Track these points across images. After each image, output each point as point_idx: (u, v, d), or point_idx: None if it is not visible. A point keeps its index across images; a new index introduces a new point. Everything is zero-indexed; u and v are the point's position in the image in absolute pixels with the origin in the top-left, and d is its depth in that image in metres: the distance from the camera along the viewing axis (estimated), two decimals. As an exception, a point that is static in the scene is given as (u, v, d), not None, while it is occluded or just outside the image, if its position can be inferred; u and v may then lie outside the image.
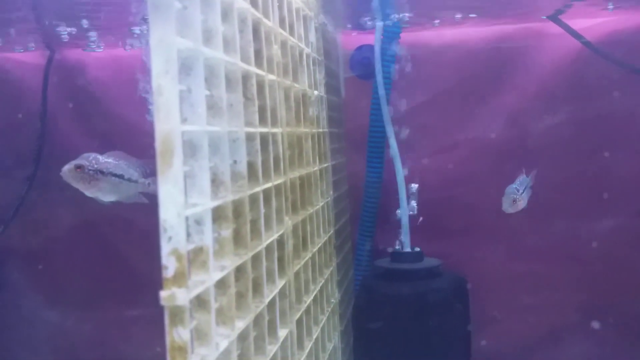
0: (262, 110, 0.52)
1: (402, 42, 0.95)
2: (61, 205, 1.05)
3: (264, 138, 0.52)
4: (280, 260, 0.57)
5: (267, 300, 0.50)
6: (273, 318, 0.53)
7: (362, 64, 0.99)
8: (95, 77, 1.09)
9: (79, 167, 0.62)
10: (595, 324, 1.00)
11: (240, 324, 0.44)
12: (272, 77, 0.55)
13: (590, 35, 0.92)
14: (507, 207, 0.83)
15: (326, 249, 0.81)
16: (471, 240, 1.04)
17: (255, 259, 0.49)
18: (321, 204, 0.77)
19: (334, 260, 0.86)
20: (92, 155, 0.65)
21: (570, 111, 0.98)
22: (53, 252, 1.10)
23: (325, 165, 0.82)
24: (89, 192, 0.63)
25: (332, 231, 0.85)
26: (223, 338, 0.41)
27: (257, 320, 0.49)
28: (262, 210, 0.50)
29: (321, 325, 0.73)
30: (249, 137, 0.49)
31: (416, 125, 1.03)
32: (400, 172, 0.92)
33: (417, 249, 0.92)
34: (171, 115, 0.32)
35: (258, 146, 0.49)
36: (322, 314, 0.76)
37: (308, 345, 0.66)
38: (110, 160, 0.66)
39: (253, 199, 0.49)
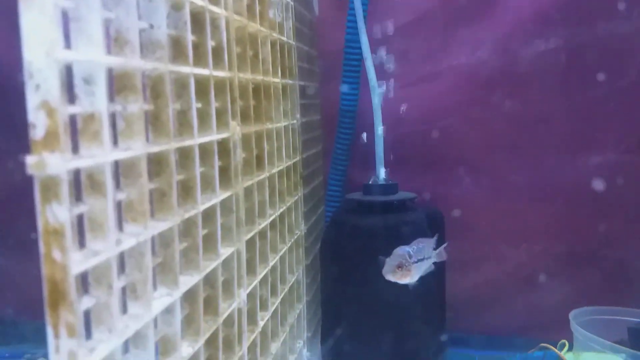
0: (196, -20, 0.43)
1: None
2: None
3: (196, 13, 0.43)
4: (225, 169, 0.49)
5: (201, 207, 0.43)
6: (212, 231, 0.46)
7: (337, -23, 0.89)
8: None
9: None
10: (578, 268, 0.95)
11: (159, 225, 0.37)
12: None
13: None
14: (386, 273, 0.66)
15: (290, 175, 0.73)
16: (452, 176, 0.97)
17: (184, 155, 0.41)
18: (284, 124, 0.69)
19: (300, 190, 0.79)
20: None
21: (565, 36, 0.89)
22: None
23: (291, 82, 0.74)
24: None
25: (298, 158, 0.78)
26: (130, 236, 0.33)
27: (186, 227, 0.42)
28: (194, 100, 0.42)
29: (280, 254, 0.66)
30: (174, 5, 0.40)
31: (396, 50, 0.94)
32: (377, 97, 0.84)
33: (392, 182, 0.85)
34: None
35: (187, 18, 0.40)
36: (283, 242, 0.69)
37: (262, 271, 0.59)
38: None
39: (179, 79, 0.40)
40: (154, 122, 0.38)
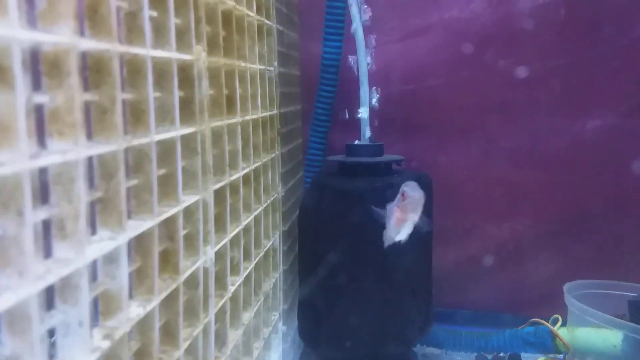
0: None
1: None
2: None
3: None
4: (187, 101, 0.41)
5: (156, 137, 0.35)
6: (171, 171, 0.38)
7: None
8: None
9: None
10: (569, 238, 0.90)
11: (98, 147, 0.29)
12: None
13: None
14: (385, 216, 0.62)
15: (266, 129, 0.65)
16: (441, 140, 0.91)
17: (133, 68, 0.33)
18: (259, 67, 0.61)
19: (278, 148, 0.71)
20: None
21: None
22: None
23: (268, 23, 0.65)
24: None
25: (275, 111, 0.70)
26: (54, 153, 0.25)
27: (137, 159, 0.34)
28: (145, 4, 0.33)
29: (255, 214, 0.59)
30: None
31: (382, 3, 0.87)
32: (362, 47, 0.76)
33: (378, 142, 0.78)
34: None
35: None
36: (258, 202, 0.61)
37: (233, 230, 0.51)
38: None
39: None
40: (92, 17, 0.29)
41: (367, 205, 0.71)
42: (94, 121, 0.30)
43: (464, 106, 0.89)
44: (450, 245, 0.92)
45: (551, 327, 0.78)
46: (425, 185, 0.80)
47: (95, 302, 0.30)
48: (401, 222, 0.61)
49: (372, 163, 0.75)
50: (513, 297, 0.93)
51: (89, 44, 0.28)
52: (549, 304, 0.84)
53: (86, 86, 0.29)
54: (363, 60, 0.75)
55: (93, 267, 0.30)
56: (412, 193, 0.62)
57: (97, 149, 0.29)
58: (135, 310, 0.33)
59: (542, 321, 0.79)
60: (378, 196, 0.72)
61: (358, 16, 0.75)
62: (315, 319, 0.74)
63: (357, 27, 0.74)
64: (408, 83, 0.90)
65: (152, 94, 0.34)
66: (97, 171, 0.30)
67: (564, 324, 0.78)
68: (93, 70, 0.30)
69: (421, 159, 0.91)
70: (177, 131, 0.38)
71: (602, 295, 0.80)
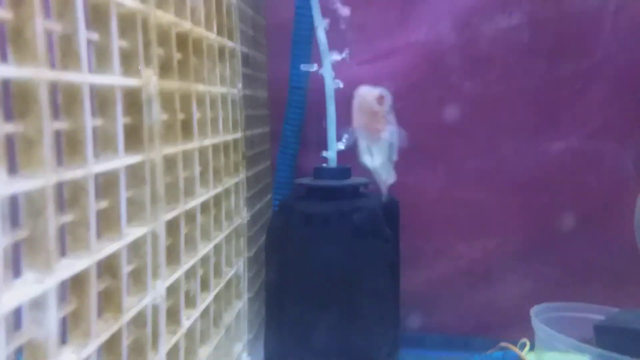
0: None
1: None
2: None
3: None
4: (135, 128, 0.39)
5: (94, 167, 0.33)
6: (114, 203, 0.36)
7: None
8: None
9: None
10: (537, 261, 0.90)
11: (23, 182, 0.26)
12: None
13: None
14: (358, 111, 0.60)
15: (229, 153, 0.63)
16: (406, 161, 0.90)
17: (69, 95, 0.31)
18: (221, 90, 0.59)
19: (242, 171, 0.69)
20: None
21: (529, 11, 0.84)
22: None
23: (231, 44, 0.64)
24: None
25: (240, 135, 0.68)
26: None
27: (72, 193, 0.31)
28: (81, 22, 0.31)
29: (215, 242, 0.56)
30: None
31: (351, 24, 0.86)
32: (329, 74, 0.75)
33: (345, 166, 0.77)
34: None
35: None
36: (218, 229, 0.59)
37: (189, 261, 0.49)
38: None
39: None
40: (15, 40, 0.27)
41: (333, 229, 0.70)
42: (19, 154, 0.28)
43: (430, 128, 0.89)
44: (418, 268, 0.90)
45: (519, 351, 0.76)
46: (392, 207, 0.79)
47: (19, 352, 0.28)
48: (376, 124, 0.59)
49: (339, 187, 0.73)
50: (482, 320, 0.92)
51: (9, 71, 0.26)
52: (519, 326, 0.83)
53: (9, 116, 0.27)
54: (331, 118, 0.74)
55: (17, 313, 0.27)
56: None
57: (23, 185, 0.26)
58: (68, 358, 0.30)
59: (510, 346, 0.78)
60: (345, 219, 0.70)
61: (324, 41, 0.74)
62: (281, 347, 0.71)
63: (324, 51, 0.73)
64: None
65: (89, 122, 0.32)
66: (23, 208, 0.28)
67: (532, 348, 0.77)
68: (18, 98, 0.27)
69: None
70: (121, 160, 0.36)
71: (570, 318, 0.80)
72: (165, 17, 0.44)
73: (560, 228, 0.89)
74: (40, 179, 0.28)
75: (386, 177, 0.67)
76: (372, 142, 0.63)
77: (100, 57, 0.35)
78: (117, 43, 0.36)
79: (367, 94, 0.60)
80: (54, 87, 0.29)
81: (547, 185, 0.88)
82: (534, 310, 0.78)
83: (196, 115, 0.51)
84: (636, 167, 0.87)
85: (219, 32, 0.59)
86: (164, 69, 0.45)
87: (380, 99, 0.60)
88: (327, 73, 0.75)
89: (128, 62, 0.38)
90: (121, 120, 0.36)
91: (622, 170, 0.87)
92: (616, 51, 0.84)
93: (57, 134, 0.30)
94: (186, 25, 0.49)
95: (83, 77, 0.31)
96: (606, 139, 0.86)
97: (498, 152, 0.88)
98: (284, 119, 0.85)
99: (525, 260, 0.90)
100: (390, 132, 0.63)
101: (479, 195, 0.90)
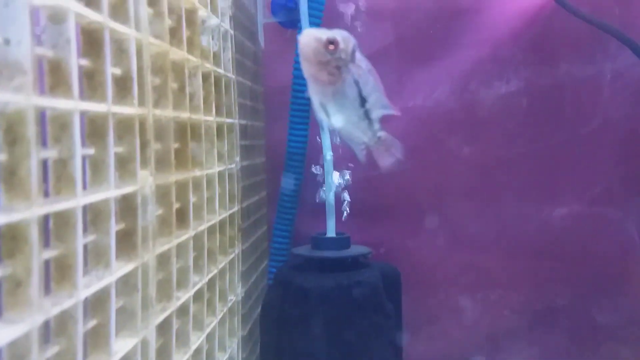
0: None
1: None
2: None
3: (91, 30, 0.33)
4: (128, 234, 0.38)
5: (83, 293, 0.31)
6: (103, 321, 0.34)
7: (286, 7, 0.81)
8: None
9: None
10: (542, 328, 0.88)
11: (7, 330, 0.25)
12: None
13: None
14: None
15: (225, 230, 0.62)
16: (406, 227, 0.89)
17: (60, 221, 0.30)
18: (218, 169, 0.58)
19: (238, 246, 0.68)
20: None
21: (527, 78, 0.85)
22: None
23: (229, 121, 0.64)
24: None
25: (236, 208, 0.67)
26: None
27: (59, 326, 0.30)
28: (78, 145, 0.30)
29: (208, 330, 0.54)
30: (53, 15, 0.29)
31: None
32: (327, 141, 0.75)
33: (344, 234, 0.75)
34: None
35: (70, 34, 0.29)
36: (212, 315, 0.57)
37: (181, 358, 0.46)
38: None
39: (57, 117, 0.29)
40: (7, 179, 0.26)
41: (332, 305, 0.68)
42: (5, 297, 0.26)
43: (431, 191, 0.88)
44: (420, 337, 0.88)
45: None
46: (393, 279, 0.77)
47: None
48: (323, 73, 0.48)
49: (338, 258, 0.72)
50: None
51: (2, 219, 0.24)
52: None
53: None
54: (330, 186, 0.73)
55: None
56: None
57: (7, 335, 0.25)
58: None
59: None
60: (344, 294, 0.68)
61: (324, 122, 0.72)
62: None
63: (323, 133, 0.72)
64: (374, 168, 0.88)
65: (80, 246, 0.31)
66: (5, 355, 0.26)
67: None
68: (6, 238, 0.26)
69: (389, 245, 0.89)
70: (113, 275, 0.34)
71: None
72: (164, 113, 0.43)
73: (564, 295, 0.87)
74: (26, 324, 0.26)
75: (363, 137, 0.55)
76: (324, 97, 0.50)
77: (95, 171, 0.34)
78: (113, 153, 0.35)
79: (311, 40, 0.48)
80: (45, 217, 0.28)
81: (549, 251, 0.87)
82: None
83: (192, 200, 0.50)
84: None
85: (218, 112, 0.58)
86: (161, 163, 0.44)
87: (329, 45, 0.48)
88: (326, 145, 0.74)
89: (124, 167, 0.37)
90: (114, 231, 0.35)
91: (625, 236, 0.86)
92: (616, 118, 0.84)
93: (47, 263, 0.29)
94: (184, 115, 0.48)
95: (76, 202, 0.30)
96: (609, 205, 0.86)
97: (499, 217, 0.87)
98: (281, 184, 0.85)
99: (531, 329, 0.88)
100: (350, 83, 0.50)
101: (481, 261, 0.88)
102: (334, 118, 0.53)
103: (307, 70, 0.50)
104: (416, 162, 0.89)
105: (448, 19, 0.85)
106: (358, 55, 0.51)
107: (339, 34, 0.49)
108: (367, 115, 0.55)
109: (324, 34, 0.49)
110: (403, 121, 0.88)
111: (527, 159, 0.86)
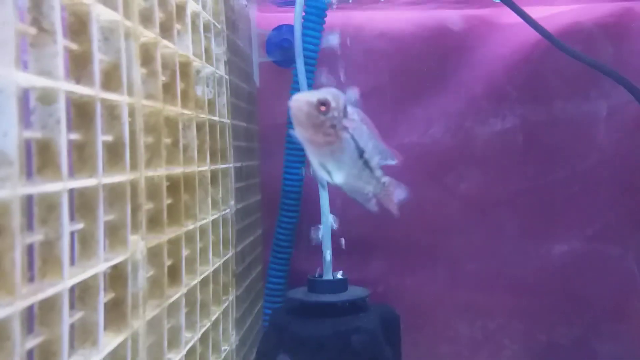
0: (82, 58, 0.32)
1: (329, 23, 0.78)
2: None
3: (82, 104, 0.32)
4: (117, 304, 0.36)
5: (70, 379, 0.30)
6: (90, 404, 0.32)
7: (281, 47, 0.81)
8: None
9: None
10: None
11: None
12: (111, 14, 0.35)
13: (547, 26, 0.79)
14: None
15: (218, 278, 0.60)
16: (403, 264, 0.88)
17: (46, 307, 0.28)
18: (212, 218, 0.57)
19: (232, 292, 0.66)
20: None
21: (522, 115, 0.85)
22: None
23: (224, 166, 0.63)
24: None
25: (230, 254, 0.65)
26: None
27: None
28: (66, 226, 0.29)
29: (201, 387, 0.52)
30: (43, 96, 0.28)
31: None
32: (326, 203, 0.73)
33: (340, 276, 0.74)
34: None
35: (60, 114, 0.28)
36: (205, 370, 0.55)
37: None
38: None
39: (44, 200, 0.28)
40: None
41: (329, 352, 0.66)
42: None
43: (428, 229, 0.87)
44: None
45: None
46: (392, 322, 0.76)
47: None
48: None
49: (335, 303, 0.70)
50: None
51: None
52: None
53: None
54: (327, 228, 0.71)
55: None
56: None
57: None
58: None
59: None
60: (342, 342, 0.67)
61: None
62: None
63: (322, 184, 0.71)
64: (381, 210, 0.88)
65: (66, 329, 0.29)
66: None
67: None
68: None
69: (386, 283, 0.87)
70: (100, 354, 0.33)
71: None
72: (157, 173, 0.42)
73: (564, 335, 0.86)
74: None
75: (367, 187, 0.54)
76: (323, 157, 0.49)
77: (84, 245, 0.33)
78: (102, 225, 0.33)
79: (302, 104, 0.47)
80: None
81: (549, 289, 0.86)
82: None
83: (185, 254, 0.49)
84: None
85: (212, 159, 0.57)
86: (153, 223, 0.43)
87: (321, 107, 0.47)
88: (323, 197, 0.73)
89: (114, 234, 0.36)
90: (102, 306, 0.33)
91: (625, 271, 0.85)
92: (612, 155, 0.84)
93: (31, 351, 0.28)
94: (178, 170, 0.47)
95: (63, 285, 0.29)
96: (608, 241, 0.85)
97: (498, 254, 0.87)
98: (277, 222, 0.83)
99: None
100: (347, 138, 0.49)
101: (481, 299, 0.87)
102: (336, 175, 0.52)
103: (302, 134, 0.48)
104: (412, 198, 0.89)
105: (443, 56, 0.85)
106: (349, 108, 0.51)
107: (328, 93, 0.48)
108: (366, 164, 0.54)
109: (314, 96, 0.48)
110: (400, 159, 0.87)
111: (524, 195, 0.86)
